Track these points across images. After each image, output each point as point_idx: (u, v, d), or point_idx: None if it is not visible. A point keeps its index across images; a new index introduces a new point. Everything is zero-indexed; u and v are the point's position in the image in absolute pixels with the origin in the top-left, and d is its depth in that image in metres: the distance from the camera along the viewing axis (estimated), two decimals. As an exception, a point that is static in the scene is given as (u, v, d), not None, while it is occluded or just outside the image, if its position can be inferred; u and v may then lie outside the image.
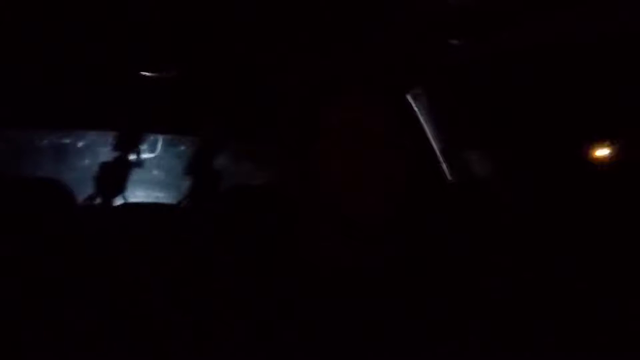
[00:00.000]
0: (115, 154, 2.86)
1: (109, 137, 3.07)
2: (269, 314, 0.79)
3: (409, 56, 1.42)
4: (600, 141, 1.38)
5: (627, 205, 1.23)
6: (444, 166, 1.60)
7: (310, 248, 0.86)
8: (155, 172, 3.50)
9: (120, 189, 2.77)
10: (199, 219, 2.72)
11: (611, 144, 1.33)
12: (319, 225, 0.85)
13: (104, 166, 2.81)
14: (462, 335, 0.78)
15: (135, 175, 3.09)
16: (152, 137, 3.60)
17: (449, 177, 1.66)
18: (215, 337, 0.78)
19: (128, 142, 2.98)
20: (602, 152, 1.36)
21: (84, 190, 2.58)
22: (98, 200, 2.60)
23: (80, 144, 3.60)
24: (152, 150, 3.74)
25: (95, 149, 3.36)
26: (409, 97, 1.51)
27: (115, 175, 2.77)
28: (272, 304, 0.80)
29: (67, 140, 3.64)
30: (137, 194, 2.91)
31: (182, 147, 3.44)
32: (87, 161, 3.56)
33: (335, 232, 0.84)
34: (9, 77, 1.79)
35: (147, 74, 1.84)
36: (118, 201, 2.69)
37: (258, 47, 1.51)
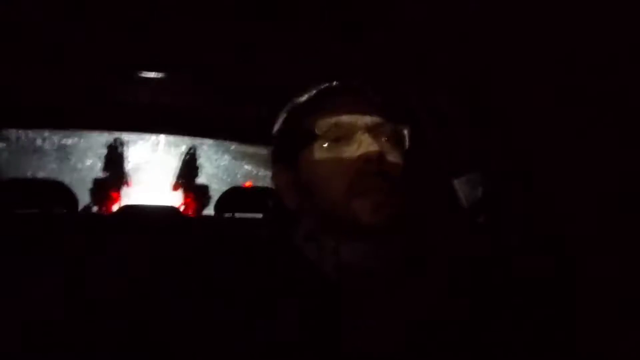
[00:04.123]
0: (116, 154, 2.88)
1: (110, 137, 3.09)
2: (269, 313, 0.78)
3: (407, 56, 1.43)
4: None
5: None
6: (443, 165, 1.61)
7: (312, 247, 0.85)
8: (155, 172, 3.51)
9: (120, 190, 2.79)
10: (199, 218, 2.72)
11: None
12: (324, 223, 0.84)
13: (105, 167, 2.84)
14: (463, 335, 0.78)
15: (137, 175, 3.12)
16: (153, 137, 3.62)
17: (448, 176, 1.66)
18: (215, 336, 0.78)
19: (128, 144, 3.00)
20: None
21: (85, 191, 2.59)
22: (100, 201, 2.62)
23: (81, 145, 3.62)
24: (152, 151, 3.76)
25: (97, 150, 3.37)
26: (407, 97, 1.52)
27: (116, 176, 2.79)
28: (272, 304, 0.79)
29: (69, 141, 3.66)
30: (137, 194, 2.93)
31: (183, 147, 3.46)
32: (88, 162, 3.57)
33: (341, 232, 0.83)
34: (9, 78, 1.79)
35: (147, 74, 1.84)
36: (119, 202, 2.71)
37: (255, 48, 1.52)
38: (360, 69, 1.50)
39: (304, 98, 0.89)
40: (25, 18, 1.39)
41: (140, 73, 1.83)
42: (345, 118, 0.82)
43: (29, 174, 3.47)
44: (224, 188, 2.36)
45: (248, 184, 2.97)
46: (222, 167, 3.72)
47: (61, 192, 2.11)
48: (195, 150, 3.08)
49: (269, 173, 0.95)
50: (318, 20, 1.34)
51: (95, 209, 2.56)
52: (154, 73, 1.84)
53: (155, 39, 1.55)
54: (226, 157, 3.75)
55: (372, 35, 1.40)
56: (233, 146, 3.58)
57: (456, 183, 1.65)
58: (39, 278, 1.68)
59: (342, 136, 0.82)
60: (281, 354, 0.74)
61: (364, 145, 0.80)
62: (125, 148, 2.89)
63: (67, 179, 2.49)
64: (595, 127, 1.16)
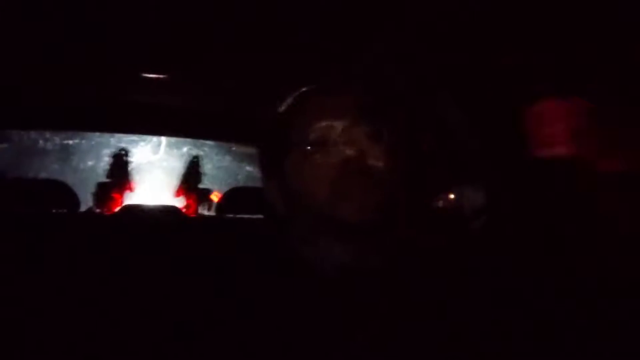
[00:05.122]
0: (118, 155, 2.89)
1: (112, 138, 3.10)
2: (268, 314, 0.79)
3: (398, 60, 1.43)
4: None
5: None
6: (437, 164, 1.61)
7: (308, 248, 0.86)
8: (157, 173, 3.51)
9: (123, 191, 2.79)
10: (200, 219, 2.73)
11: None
12: (316, 225, 0.85)
13: (107, 168, 2.85)
14: (463, 335, 0.78)
15: (138, 176, 3.12)
16: (154, 139, 3.63)
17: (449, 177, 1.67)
18: (215, 337, 0.78)
19: (130, 144, 3.01)
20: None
21: (87, 192, 2.60)
22: (102, 202, 2.63)
23: (83, 146, 3.62)
24: (154, 152, 3.76)
25: (99, 151, 3.37)
26: (399, 97, 1.52)
27: (118, 177, 2.80)
28: (271, 305, 0.80)
29: (70, 142, 3.66)
30: (139, 195, 2.93)
31: (185, 149, 3.46)
32: (90, 163, 3.57)
33: (332, 232, 0.84)
34: (9, 78, 1.80)
35: (148, 75, 1.85)
36: (121, 203, 2.71)
37: (253, 50, 1.53)
38: (359, 70, 1.51)
39: (285, 104, 0.90)
40: (25, 18, 1.40)
41: (142, 74, 1.84)
42: (324, 120, 0.83)
43: (30, 174, 3.47)
44: (225, 189, 2.37)
45: (216, 194, 2.98)
46: (222, 168, 3.72)
47: (63, 192, 2.11)
48: (198, 159, 3.10)
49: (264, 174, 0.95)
50: (318, 20, 1.35)
51: (97, 211, 2.57)
52: (155, 74, 1.84)
53: (156, 40, 1.55)
54: (227, 158, 3.76)
55: (371, 35, 1.41)
56: (234, 147, 3.59)
57: (457, 185, 1.66)
58: (40, 277, 1.69)
59: (323, 139, 0.82)
60: (282, 354, 0.75)
61: (344, 146, 0.81)
62: (130, 157, 2.91)
63: (68, 179, 2.49)
64: (597, 127, 1.17)
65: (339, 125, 0.83)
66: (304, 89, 0.91)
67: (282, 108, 0.91)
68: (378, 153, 0.84)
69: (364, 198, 0.80)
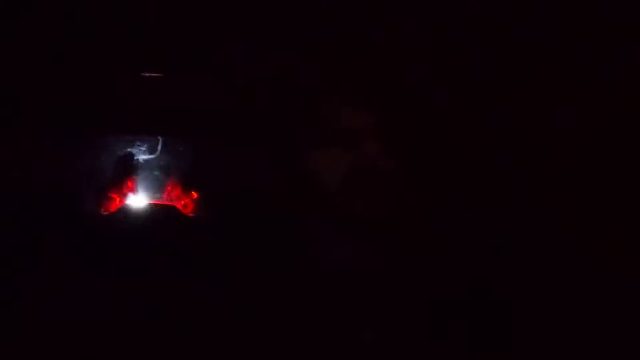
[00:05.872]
0: (116, 155, 2.88)
1: (109, 138, 3.09)
2: (270, 313, 0.79)
3: (402, 55, 1.43)
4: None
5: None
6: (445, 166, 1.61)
7: (310, 247, 0.86)
8: (155, 172, 3.50)
9: (120, 191, 2.78)
10: (199, 219, 2.72)
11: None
12: (318, 223, 0.85)
13: (105, 168, 2.83)
14: (462, 335, 0.79)
15: (137, 176, 3.11)
16: (152, 138, 3.61)
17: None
18: (216, 337, 0.78)
19: (128, 143, 2.99)
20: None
21: (84, 192, 2.58)
22: (98, 202, 2.61)
23: (80, 146, 3.60)
24: (152, 152, 3.75)
25: (96, 151, 3.36)
26: (402, 95, 1.52)
27: (116, 177, 2.79)
28: (273, 304, 0.80)
29: (68, 142, 3.64)
30: (137, 195, 2.92)
31: (182, 148, 3.45)
32: (87, 163, 3.55)
33: (335, 231, 0.85)
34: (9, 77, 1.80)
35: (146, 74, 1.84)
36: (119, 203, 2.70)
37: (253, 48, 1.52)
38: (360, 70, 1.51)
39: (301, 99, 0.90)
40: (25, 17, 1.39)
41: (140, 73, 1.83)
42: (342, 118, 0.84)
43: (27, 175, 3.46)
44: (223, 188, 2.36)
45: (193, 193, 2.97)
46: (221, 167, 3.71)
47: (60, 192, 2.11)
48: (196, 159, 3.10)
49: (269, 173, 0.95)
50: (319, 20, 1.34)
51: (96, 211, 2.56)
52: (153, 73, 1.84)
53: (155, 39, 1.55)
54: (225, 157, 3.75)
55: (372, 35, 1.41)
56: (232, 146, 3.58)
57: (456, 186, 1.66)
58: (39, 278, 1.69)
59: (340, 136, 0.83)
60: (287, 348, 0.75)
61: (360, 144, 0.81)
62: (128, 156, 2.90)
63: (66, 179, 2.48)
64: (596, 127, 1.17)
65: (356, 124, 0.84)
66: (320, 88, 0.91)
67: (299, 106, 0.91)
68: (392, 153, 0.84)
69: (376, 197, 0.80)
